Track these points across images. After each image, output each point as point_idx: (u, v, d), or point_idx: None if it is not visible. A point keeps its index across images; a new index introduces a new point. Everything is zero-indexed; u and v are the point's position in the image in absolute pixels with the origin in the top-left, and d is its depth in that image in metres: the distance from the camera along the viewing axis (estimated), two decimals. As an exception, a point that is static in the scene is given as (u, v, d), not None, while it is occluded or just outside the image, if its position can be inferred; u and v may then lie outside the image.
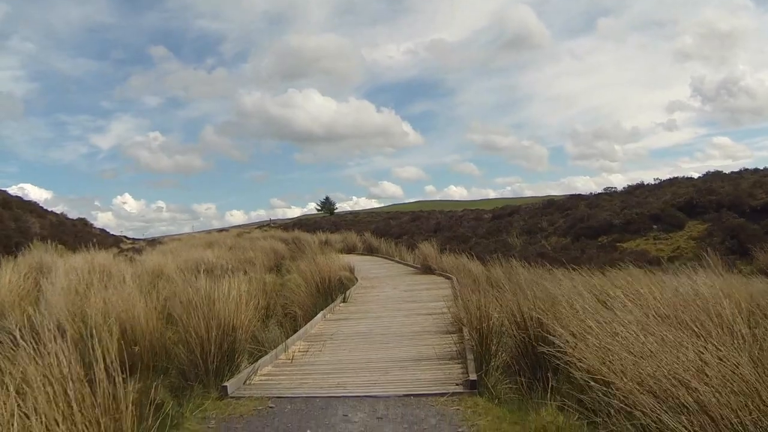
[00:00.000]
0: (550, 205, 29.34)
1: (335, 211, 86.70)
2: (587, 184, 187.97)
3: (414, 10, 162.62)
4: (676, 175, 29.18)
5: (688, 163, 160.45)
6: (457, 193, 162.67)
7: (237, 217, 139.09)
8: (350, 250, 30.97)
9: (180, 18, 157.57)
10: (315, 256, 18.87)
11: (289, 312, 11.06)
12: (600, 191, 30.26)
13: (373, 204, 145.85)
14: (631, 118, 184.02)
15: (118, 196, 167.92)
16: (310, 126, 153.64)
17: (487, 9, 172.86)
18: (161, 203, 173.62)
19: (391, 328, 8.81)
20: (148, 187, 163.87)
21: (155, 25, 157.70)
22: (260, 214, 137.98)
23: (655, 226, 20.10)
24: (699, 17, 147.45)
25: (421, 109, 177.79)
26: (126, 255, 27.61)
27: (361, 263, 21.72)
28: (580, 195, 30.55)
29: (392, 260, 23.94)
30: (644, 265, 19.12)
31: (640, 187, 28.32)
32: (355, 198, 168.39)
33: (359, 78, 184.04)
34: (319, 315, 9.83)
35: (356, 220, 65.28)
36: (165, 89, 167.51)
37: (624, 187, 29.36)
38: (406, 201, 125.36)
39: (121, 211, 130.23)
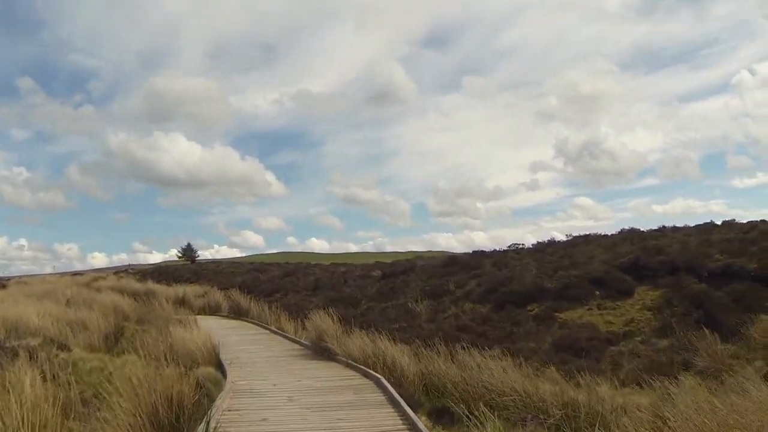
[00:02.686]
0: (452, 263, 25.42)
1: (197, 258, 79.99)
2: (449, 241, 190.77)
3: (285, 59, 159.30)
4: (586, 233, 26.53)
5: (550, 222, 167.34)
6: (318, 245, 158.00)
7: (99, 259, 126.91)
8: (213, 310, 25.51)
9: (54, 51, 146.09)
10: (166, 327, 13.87)
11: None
12: (506, 248, 26.99)
13: (235, 253, 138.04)
14: (495, 177, 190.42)
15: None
16: (175, 170, 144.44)
17: (356, 62, 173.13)
18: (23, 241, 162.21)
19: None
20: (10, 224, 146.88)
21: (28, 56, 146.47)
22: (122, 258, 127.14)
23: (597, 292, 16.60)
24: (564, 79, 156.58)
25: (286, 160, 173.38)
26: None
27: (228, 334, 16.64)
28: (483, 252, 27.02)
29: (268, 330, 18.73)
30: (598, 343, 15.44)
31: (552, 244, 25.27)
32: (216, 246, 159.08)
33: (226, 124, 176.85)
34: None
35: (219, 270, 59.75)
36: (32, 123, 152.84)
37: (533, 244, 26.31)
38: (268, 252, 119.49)
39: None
